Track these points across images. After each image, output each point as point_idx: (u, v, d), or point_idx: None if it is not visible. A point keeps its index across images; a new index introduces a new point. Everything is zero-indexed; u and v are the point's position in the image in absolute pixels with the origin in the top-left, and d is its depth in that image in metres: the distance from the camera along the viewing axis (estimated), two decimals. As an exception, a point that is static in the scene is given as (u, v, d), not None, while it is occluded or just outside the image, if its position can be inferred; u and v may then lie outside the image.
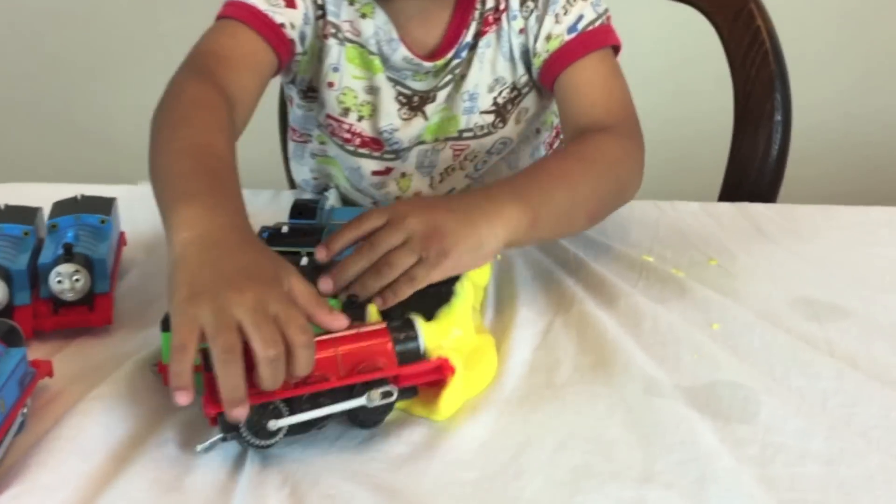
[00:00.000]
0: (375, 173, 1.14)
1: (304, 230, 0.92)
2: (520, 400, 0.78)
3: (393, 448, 0.72)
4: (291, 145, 1.23)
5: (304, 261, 0.85)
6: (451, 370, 0.74)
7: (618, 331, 0.86)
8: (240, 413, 0.66)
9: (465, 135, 1.11)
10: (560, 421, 0.75)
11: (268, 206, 1.18)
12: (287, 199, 1.21)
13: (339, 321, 0.72)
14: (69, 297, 0.87)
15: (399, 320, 0.73)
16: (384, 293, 0.75)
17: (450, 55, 1.06)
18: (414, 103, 1.09)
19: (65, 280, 0.87)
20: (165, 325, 0.75)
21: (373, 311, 0.78)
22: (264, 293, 0.68)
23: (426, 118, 1.09)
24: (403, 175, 1.14)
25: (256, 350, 0.66)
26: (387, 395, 0.70)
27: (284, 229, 0.92)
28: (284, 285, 0.72)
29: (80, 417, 0.74)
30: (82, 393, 0.77)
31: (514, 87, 1.10)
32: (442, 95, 1.09)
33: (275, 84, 1.37)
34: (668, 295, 0.93)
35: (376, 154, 1.12)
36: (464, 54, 1.07)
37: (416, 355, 0.73)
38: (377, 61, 1.07)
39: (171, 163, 0.82)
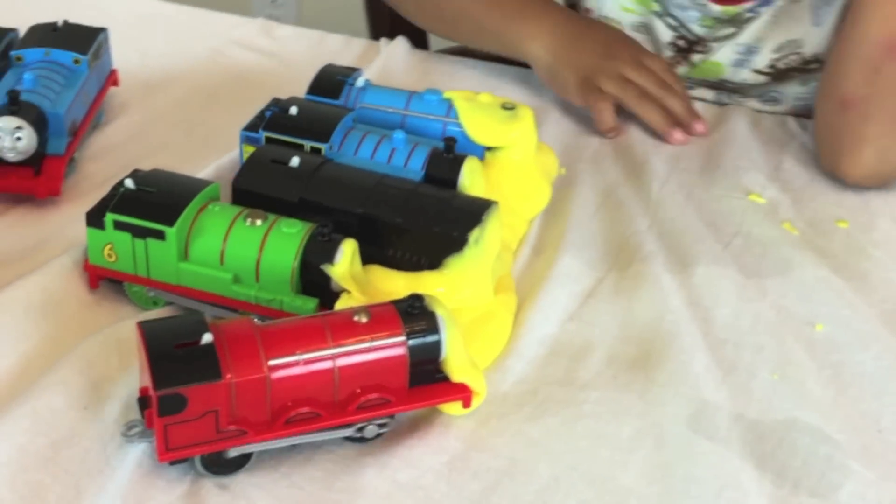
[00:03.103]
0: None
1: (315, 115, 0.72)
2: (521, 397, 0.59)
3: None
4: None
5: (295, 161, 0.65)
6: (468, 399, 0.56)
7: (681, 313, 0.64)
8: (682, 137, 0.82)
9: (726, 84, 0.93)
10: (563, 443, 0.56)
11: (336, 53, 0.91)
12: (358, 49, 0.95)
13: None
14: (10, 157, 0.71)
15: (418, 320, 0.54)
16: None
17: (747, 5, 0.88)
18: (691, 52, 0.92)
19: (4, 136, 0.71)
20: (92, 218, 0.62)
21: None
22: (636, 53, 0.85)
23: (691, 65, 0.93)
24: None
25: (649, 91, 0.83)
26: (383, 425, 0.56)
27: (293, 110, 0.71)
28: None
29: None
30: (-2, 284, 0.63)
31: (804, 59, 0.89)
32: (718, 47, 0.91)
33: None
34: (767, 266, 0.69)
35: None
36: (763, 9, 0.88)
37: (433, 376, 0.55)
38: None
39: None
